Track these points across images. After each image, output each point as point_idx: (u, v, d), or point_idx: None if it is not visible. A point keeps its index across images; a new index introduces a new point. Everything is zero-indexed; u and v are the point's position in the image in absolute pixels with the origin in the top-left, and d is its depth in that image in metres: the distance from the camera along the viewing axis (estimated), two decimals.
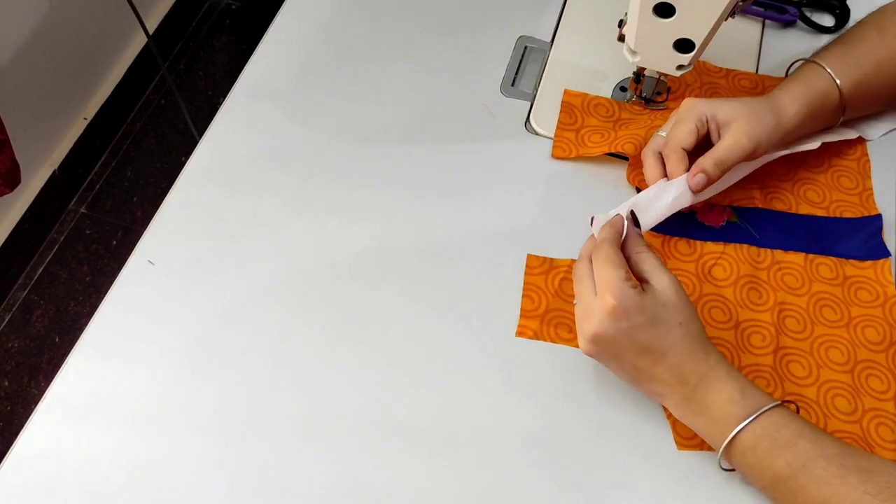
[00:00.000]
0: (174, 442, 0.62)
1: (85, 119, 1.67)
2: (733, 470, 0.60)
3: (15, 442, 0.62)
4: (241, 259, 0.71)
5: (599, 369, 0.65)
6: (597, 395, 0.65)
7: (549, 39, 0.87)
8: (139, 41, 1.77)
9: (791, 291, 0.70)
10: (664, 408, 0.63)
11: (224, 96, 0.82)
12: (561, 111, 0.80)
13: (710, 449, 0.61)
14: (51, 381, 0.65)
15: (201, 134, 0.79)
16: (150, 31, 1.63)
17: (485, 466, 0.62)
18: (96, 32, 1.63)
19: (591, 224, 0.66)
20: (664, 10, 0.68)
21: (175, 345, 0.67)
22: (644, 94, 0.80)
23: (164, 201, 0.74)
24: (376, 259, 0.71)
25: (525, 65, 0.86)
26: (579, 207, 0.74)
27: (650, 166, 0.71)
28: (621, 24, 0.75)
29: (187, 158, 0.77)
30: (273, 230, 0.73)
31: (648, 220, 0.69)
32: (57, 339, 1.53)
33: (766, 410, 0.57)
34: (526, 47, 0.87)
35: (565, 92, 0.81)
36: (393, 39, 0.87)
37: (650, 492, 0.61)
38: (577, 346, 0.63)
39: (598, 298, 0.59)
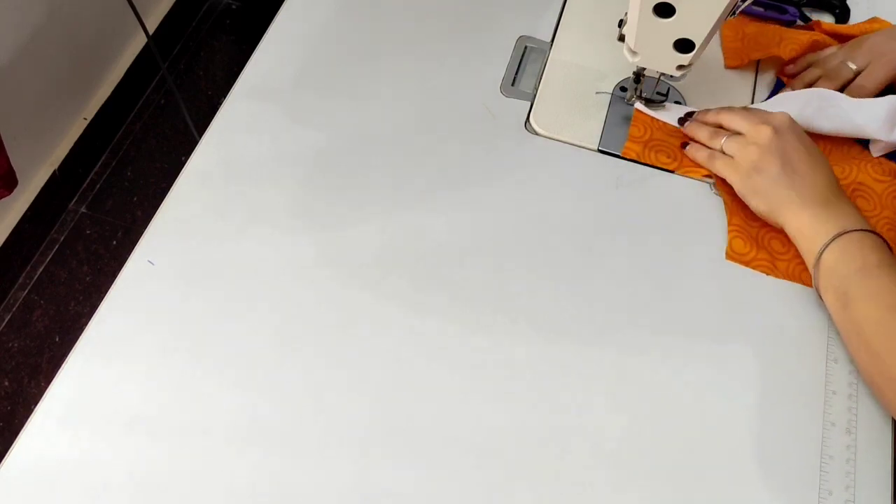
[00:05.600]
0: (174, 442, 0.62)
1: (85, 119, 1.67)
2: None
3: (15, 442, 0.62)
4: (241, 259, 0.71)
5: (600, 372, 0.65)
6: (597, 396, 0.65)
7: (549, 39, 0.87)
8: (139, 41, 1.77)
9: None
10: None
11: (224, 96, 0.82)
12: (724, 28, 0.85)
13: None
14: (51, 381, 0.65)
15: (201, 134, 0.79)
16: (150, 31, 1.63)
17: (485, 467, 0.62)
18: (96, 32, 1.63)
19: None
20: (664, 10, 0.68)
21: (175, 345, 0.67)
22: (644, 94, 0.80)
23: (164, 201, 0.74)
24: (376, 259, 0.71)
25: (525, 65, 0.86)
26: (579, 208, 0.75)
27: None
28: (621, 24, 0.75)
29: (187, 158, 0.77)
30: (273, 230, 0.73)
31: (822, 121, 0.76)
32: (57, 339, 1.53)
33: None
34: (526, 47, 0.87)
35: (728, 21, 0.83)
36: (393, 40, 0.87)
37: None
38: (674, 169, 0.77)
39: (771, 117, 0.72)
